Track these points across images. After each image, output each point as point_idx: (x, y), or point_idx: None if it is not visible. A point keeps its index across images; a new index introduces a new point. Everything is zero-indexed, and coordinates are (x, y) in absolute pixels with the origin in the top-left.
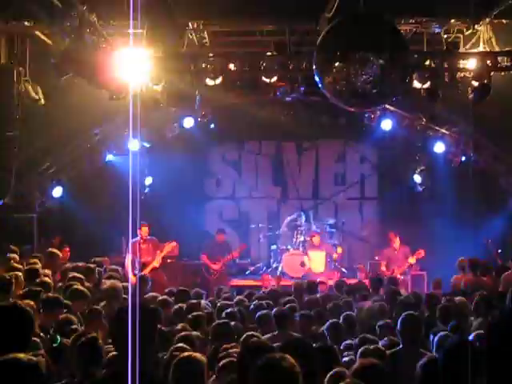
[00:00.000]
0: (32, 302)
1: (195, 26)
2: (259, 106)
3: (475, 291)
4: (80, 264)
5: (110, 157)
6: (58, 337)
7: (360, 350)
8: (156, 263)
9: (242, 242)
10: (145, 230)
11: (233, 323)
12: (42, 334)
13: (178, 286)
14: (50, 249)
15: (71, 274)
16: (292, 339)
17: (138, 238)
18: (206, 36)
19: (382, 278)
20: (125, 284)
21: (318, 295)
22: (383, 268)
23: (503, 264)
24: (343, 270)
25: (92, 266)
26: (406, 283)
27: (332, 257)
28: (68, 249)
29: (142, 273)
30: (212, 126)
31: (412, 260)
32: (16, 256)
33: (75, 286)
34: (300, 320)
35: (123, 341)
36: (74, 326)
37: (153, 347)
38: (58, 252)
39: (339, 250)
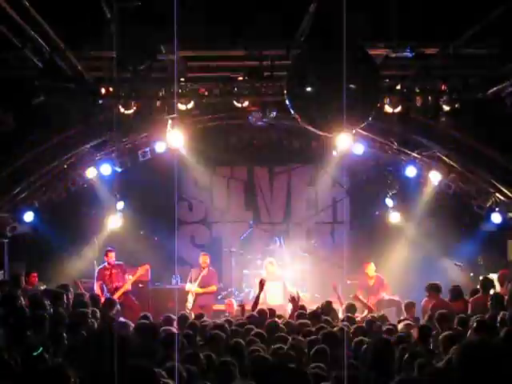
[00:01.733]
0: None
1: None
2: (231, 131)
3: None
4: (48, 289)
5: (92, 172)
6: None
7: None
8: (128, 286)
9: (214, 267)
10: (111, 255)
11: None
12: None
13: (149, 312)
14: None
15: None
16: None
17: (105, 263)
18: (178, 60)
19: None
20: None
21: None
22: (360, 297)
23: (474, 288)
24: (316, 295)
25: (60, 290)
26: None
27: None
28: (35, 274)
29: (113, 297)
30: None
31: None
32: None
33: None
34: None
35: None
36: None
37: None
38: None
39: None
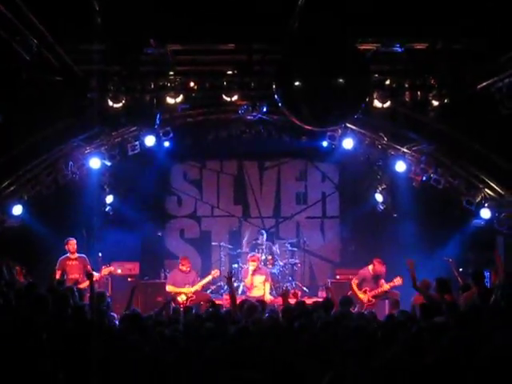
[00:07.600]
0: None
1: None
2: (220, 125)
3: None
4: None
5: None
6: None
7: None
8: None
9: (204, 261)
10: (72, 243)
11: None
12: None
13: (139, 306)
14: None
15: None
16: None
17: (68, 254)
18: (168, 54)
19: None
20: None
21: None
22: (354, 286)
23: (465, 283)
24: (304, 288)
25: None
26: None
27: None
28: None
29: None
30: (167, 144)
31: (386, 287)
32: None
33: None
34: None
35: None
36: None
37: None
38: None
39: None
